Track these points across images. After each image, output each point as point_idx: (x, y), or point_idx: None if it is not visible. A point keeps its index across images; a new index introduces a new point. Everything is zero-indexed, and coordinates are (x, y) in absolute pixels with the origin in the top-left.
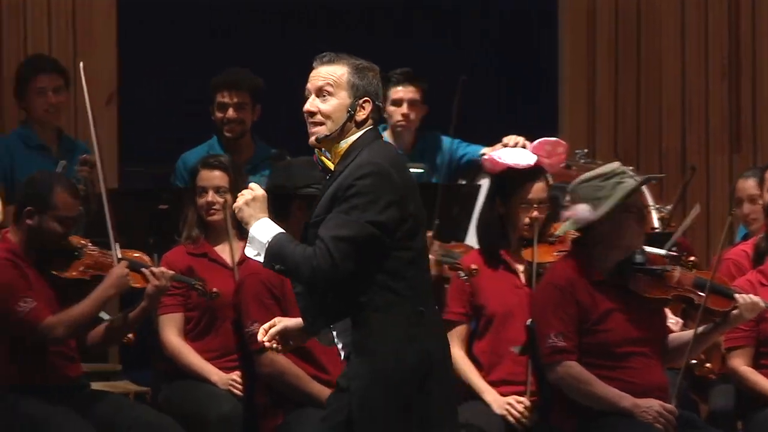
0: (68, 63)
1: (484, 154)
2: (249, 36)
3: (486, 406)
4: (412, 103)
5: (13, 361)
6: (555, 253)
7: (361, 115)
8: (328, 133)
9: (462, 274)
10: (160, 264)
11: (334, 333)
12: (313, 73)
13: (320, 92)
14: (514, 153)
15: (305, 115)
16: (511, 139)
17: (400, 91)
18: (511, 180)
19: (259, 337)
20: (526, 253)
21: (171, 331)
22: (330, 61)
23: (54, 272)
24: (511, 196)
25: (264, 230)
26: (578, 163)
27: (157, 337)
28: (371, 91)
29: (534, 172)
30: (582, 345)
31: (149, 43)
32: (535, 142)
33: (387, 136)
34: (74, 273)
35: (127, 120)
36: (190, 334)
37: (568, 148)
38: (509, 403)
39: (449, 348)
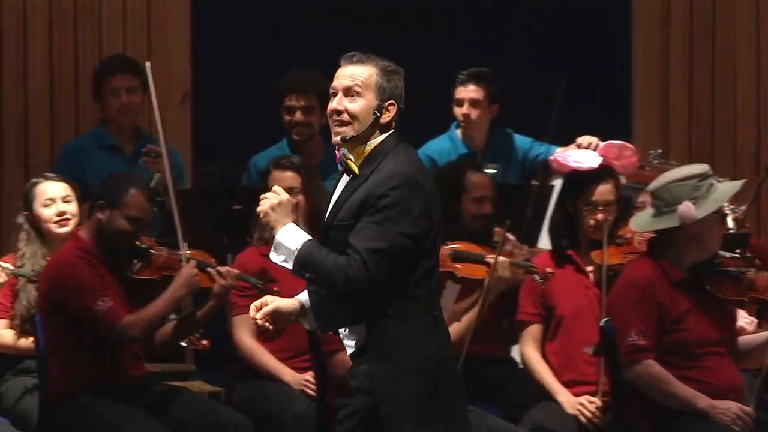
0: (142, 63)
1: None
2: (324, 35)
3: (558, 406)
4: (473, 103)
5: (86, 361)
6: (623, 255)
7: (386, 118)
8: (355, 134)
9: (537, 277)
10: (233, 265)
11: (343, 330)
12: (341, 72)
13: (348, 92)
14: (579, 154)
15: (330, 114)
16: (584, 139)
17: (461, 91)
18: (577, 181)
19: (251, 313)
20: (594, 255)
21: (245, 332)
22: (359, 62)
23: (125, 271)
24: (577, 198)
25: (291, 236)
26: (652, 163)
27: (230, 338)
28: (396, 95)
29: (599, 174)
30: (660, 344)
31: (222, 43)
32: (602, 144)
33: (460, 134)
34: (145, 273)
35: (200, 119)
36: (263, 334)
37: (637, 151)
38: (581, 403)
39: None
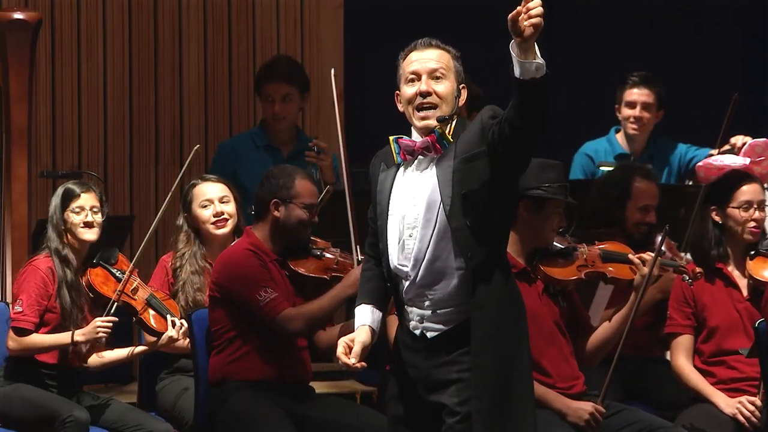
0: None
1: (712, 155)
2: (469, 38)
3: (714, 408)
4: (645, 107)
5: (242, 354)
6: None
7: (461, 101)
8: (447, 115)
9: (686, 277)
10: None
11: (424, 312)
12: (420, 56)
13: (432, 74)
14: (726, 158)
15: (414, 97)
16: (738, 138)
17: (634, 94)
18: (723, 185)
19: (343, 360)
20: (750, 266)
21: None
22: (437, 46)
23: (296, 268)
24: (727, 202)
25: None
26: None
27: (384, 337)
28: (464, 79)
29: (743, 175)
30: None
31: (374, 43)
32: (746, 145)
33: (619, 138)
34: (316, 271)
35: (353, 120)
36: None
37: None
38: (740, 402)
39: None
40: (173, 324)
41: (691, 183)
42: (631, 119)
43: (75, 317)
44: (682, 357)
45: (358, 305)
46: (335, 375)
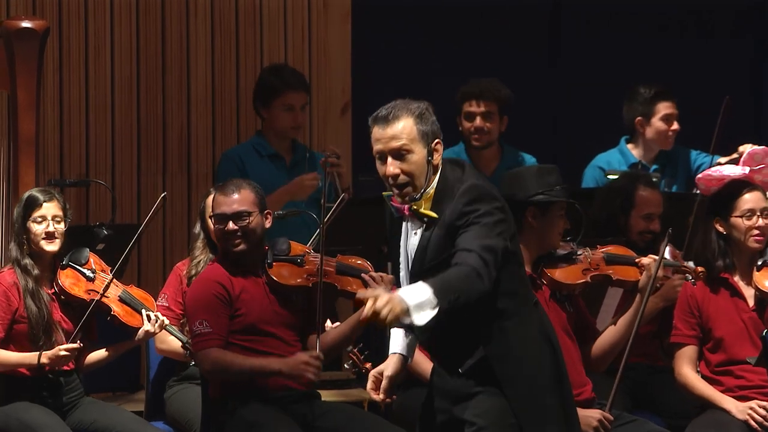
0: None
1: (719, 163)
2: (484, 45)
3: (723, 415)
4: (677, 119)
5: None
6: None
7: (437, 159)
8: (420, 192)
9: (689, 276)
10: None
11: (448, 357)
12: (381, 135)
13: (397, 154)
14: (726, 169)
15: (386, 178)
16: (746, 147)
17: (670, 107)
18: (725, 195)
19: (378, 398)
20: (757, 277)
21: None
22: (395, 118)
23: (276, 278)
24: (730, 211)
25: (415, 292)
26: None
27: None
28: (436, 130)
29: (744, 184)
30: None
31: (381, 52)
32: (745, 153)
33: (631, 148)
34: (296, 280)
35: (360, 129)
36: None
37: None
38: (752, 408)
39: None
40: (148, 318)
41: (699, 191)
42: (670, 133)
43: (43, 324)
44: (685, 366)
45: (392, 327)
46: (343, 383)
